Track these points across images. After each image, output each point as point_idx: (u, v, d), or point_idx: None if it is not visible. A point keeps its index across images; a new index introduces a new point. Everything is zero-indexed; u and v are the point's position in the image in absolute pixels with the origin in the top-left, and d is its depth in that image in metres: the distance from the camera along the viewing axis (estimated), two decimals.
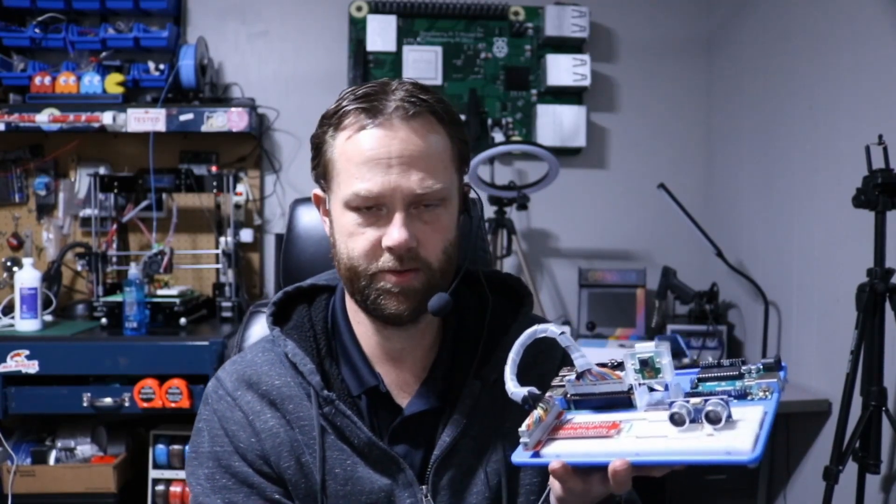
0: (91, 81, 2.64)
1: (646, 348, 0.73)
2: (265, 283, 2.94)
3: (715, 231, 2.76)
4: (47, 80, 2.64)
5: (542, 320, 1.11)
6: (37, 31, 2.71)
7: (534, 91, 3.00)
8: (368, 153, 0.90)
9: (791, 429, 2.45)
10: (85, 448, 2.36)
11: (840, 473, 1.84)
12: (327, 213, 0.99)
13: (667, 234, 3.02)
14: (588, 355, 0.80)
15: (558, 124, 2.93)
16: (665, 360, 0.73)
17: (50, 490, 2.23)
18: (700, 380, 0.76)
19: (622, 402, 0.76)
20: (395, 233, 0.90)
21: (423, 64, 2.93)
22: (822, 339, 2.31)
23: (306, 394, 0.97)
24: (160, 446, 2.32)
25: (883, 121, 1.95)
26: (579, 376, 0.79)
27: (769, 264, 2.62)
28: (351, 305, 1.01)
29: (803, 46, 2.41)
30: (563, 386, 0.82)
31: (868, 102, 2.09)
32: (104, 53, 2.73)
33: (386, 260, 0.91)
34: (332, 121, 0.94)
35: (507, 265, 2.84)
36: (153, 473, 2.32)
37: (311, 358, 0.98)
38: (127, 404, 2.17)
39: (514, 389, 0.80)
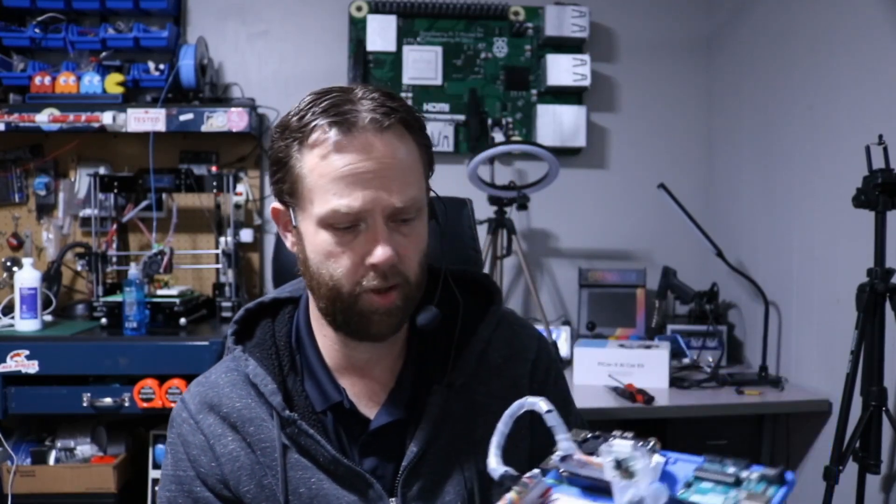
0: (91, 81, 2.64)
1: (623, 448, 0.67)
2: (265, 283, 2.94)
3: (715, 231, 2.76)
4: (47, 80, 2.64)
5: (516, 318, 1.09)
6: (37, 31, 2.71)
7: (534, 91, 3.00)
8: (345, 169, 0.87)
9: (791, 429, 2.45)
10: (85, 448, 2.36)
11: (840, 473, 1.84)
12: (289, 228, 0.95)
13: (667, 234, 3.02)
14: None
15: (558, 124, 2.93)
16: (640, 465, 0.66)
17: (50, 490, 2.23)
18: (697, 478, 0.69)
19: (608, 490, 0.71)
20: (379, 250, 0.88)
21: (423, 64, 2.93)
22: (822, 339, 2.31)
23: (269, 413, 0.96)
24: (160, 446, 2.31)
25: (883, 121, 1.95)
26: (563, 458, 0.74)
27: (769, 264, 2.62)
28: (316, 318, 0.99)
29: (803, 46, 2.41)
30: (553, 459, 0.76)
31: (868, 102, 2.09)
32: (104, 53, 2.73)
33: (370, 279, 0.90)
34: (296, 134, 0.89)
35: (507, 265, 2.84)
36: (153, 473, 2.32)
37: (272, 377, 0.96)
38: (127, 404, 2.17)
39: (494, 466, 0.75)
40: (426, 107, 2.94)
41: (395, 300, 0.91)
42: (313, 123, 0.88)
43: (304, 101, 0.91)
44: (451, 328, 1.00)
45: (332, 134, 0.87)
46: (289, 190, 0.92)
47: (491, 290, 1.06)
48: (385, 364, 1.00)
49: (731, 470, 0.67)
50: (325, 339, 0.99)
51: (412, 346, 1.01)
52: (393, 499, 0.95)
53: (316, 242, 0.91)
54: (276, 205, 0.97)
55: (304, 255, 0.94)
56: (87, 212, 2.74)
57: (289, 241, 0.97)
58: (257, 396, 0.97)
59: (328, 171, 0.87)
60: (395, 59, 2.93)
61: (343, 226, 0.88)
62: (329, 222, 0.88)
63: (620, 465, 0.67)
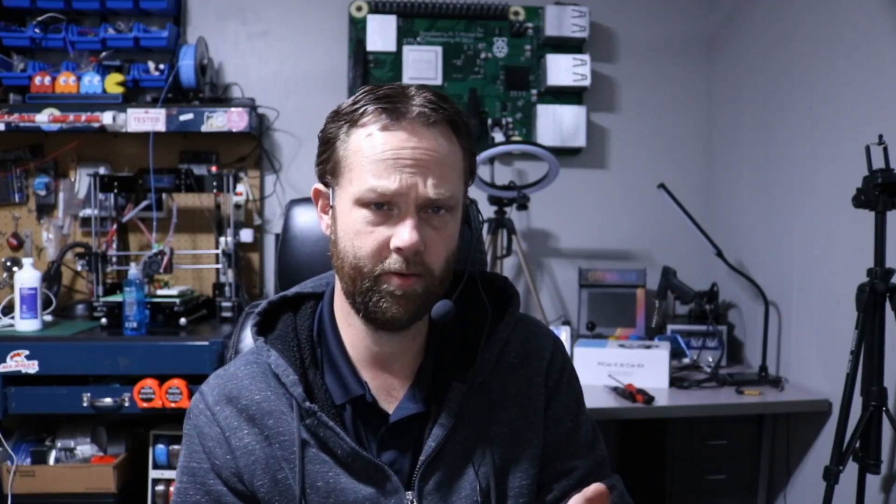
0: (91, 81, 2.64)
1: None
2: (265, 283, 2.94)
3: (715, 231, 2.76)
4: (47, 80, 2.64)
5: (531, 319, 1.11)
6: (37, 31, 2.71)
7: (534, 91, 2.99)
8: (389, 153, 0.90)
9: (791, 429, 2.45)
10: (85, 448, 2.36)
11: (840, 473, 1.85)
12: (327, 209, 0.99)
13: (667, 234, 3.02)
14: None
15: (558, 124, 2.93)
16: None
17: (50, 490, 2.23)
18: None
19: None
20: (405, 234, 0.89)
21: (423, 64, 2.93)
22: (822, 339, 2.31)
23: (289, 405, 0.97)
24: (160, 446, 2.32)
25: (883, 121, 1.96)
26: None
27: (769, 264, 2.62)
28: (341, 309, 1.01)
29: (803, 46, 2.41)
30: None
31: (868, 102, 2.09)
32: (104, 53, 2.73)
33: (392, 261, 0.91)
34: (347, 117, 0.93)
35: (507, 265, 2.84)
36: (153, 473, 2.32)
37: (293, 368, 0.98)
38: (127, 404, 2.17)
39: None
40: None
41: (414, 285, 0.92)
42: (365, 108, 0.92)
43: (360, 90, 0.95)
44: (470, 327, 1.03)
45: (381, 118, 0.91)
46: (331, 170, 0.96)
47: (509, 293, 1.07)
48: (406, 359, 1.01)
49: None
50: (350, 328, 1.00)
51: (432, 344, 1.02)
52: (409, 492, 0.96)
53: (348, 221, 0.93)
54: (318, 186, 1.00)
55: (335, 236, 0.96)
56: (87, 212, 2.74)
57: (324, 223, 1.00)
58: (277, 388, 0.99)
59: (371, 152, 0.91)
60: (395, 59, 2.93)
61: (376, 207, 0.91)
62: (364, 201, 0.91)
63: None
